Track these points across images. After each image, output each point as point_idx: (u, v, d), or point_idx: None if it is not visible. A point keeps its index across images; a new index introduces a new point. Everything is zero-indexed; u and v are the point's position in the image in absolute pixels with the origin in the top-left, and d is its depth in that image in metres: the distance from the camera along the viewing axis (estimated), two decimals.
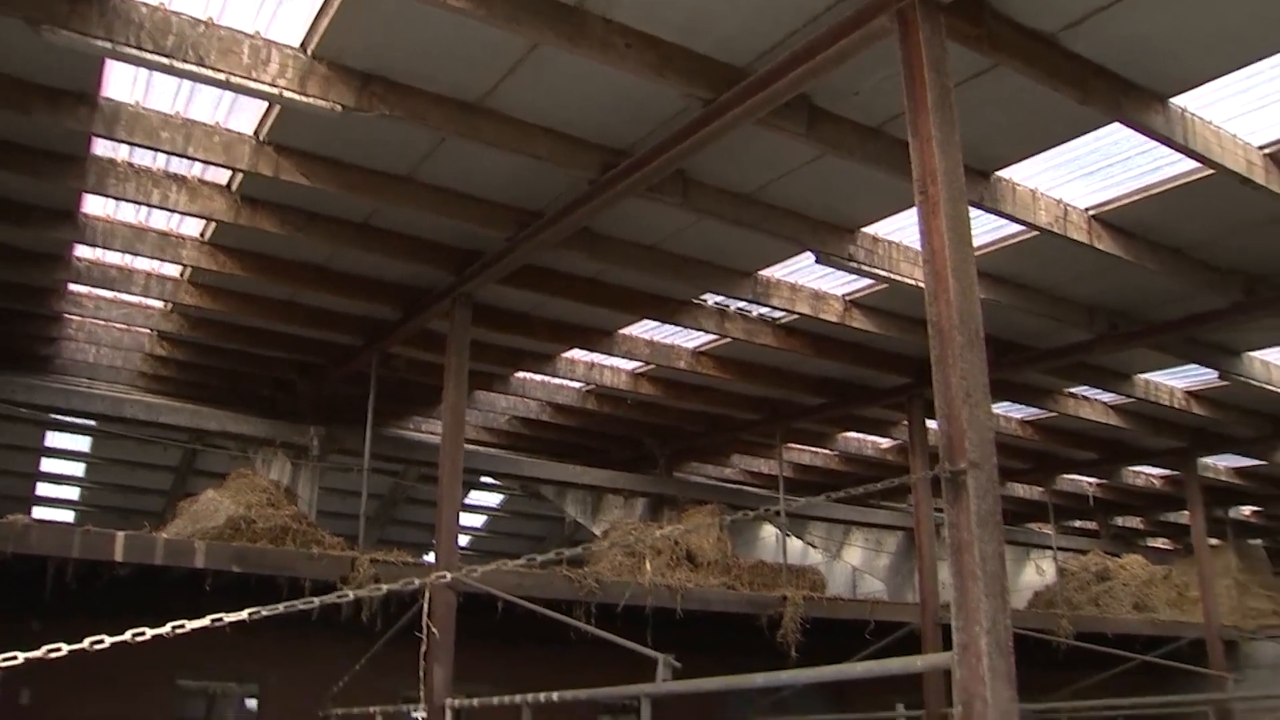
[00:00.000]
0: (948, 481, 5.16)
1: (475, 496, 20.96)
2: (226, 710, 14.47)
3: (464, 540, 20.89)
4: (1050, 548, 22.38)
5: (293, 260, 12.08)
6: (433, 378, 13.16)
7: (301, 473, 15.71)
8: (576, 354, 15.23)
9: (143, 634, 4.51)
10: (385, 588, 5.37)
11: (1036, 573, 23.49)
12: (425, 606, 6.45)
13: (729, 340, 13.94)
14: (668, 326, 13.96)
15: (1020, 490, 22.72)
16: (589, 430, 18.80)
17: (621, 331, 14.20)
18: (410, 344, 14.03)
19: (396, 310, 13.16)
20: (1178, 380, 16.10)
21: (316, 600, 4.80)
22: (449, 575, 5.06)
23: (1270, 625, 23.12)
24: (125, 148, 9.60)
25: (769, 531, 18.83)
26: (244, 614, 4.51)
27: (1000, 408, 17.04)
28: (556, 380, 16.33)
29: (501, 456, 18.86)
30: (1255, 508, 25.45)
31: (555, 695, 9.12)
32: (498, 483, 19.51)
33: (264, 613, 4.50)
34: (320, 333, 14.14)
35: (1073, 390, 16.46)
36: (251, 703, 14.32)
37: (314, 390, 16.05)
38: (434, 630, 7.61)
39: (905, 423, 16.45)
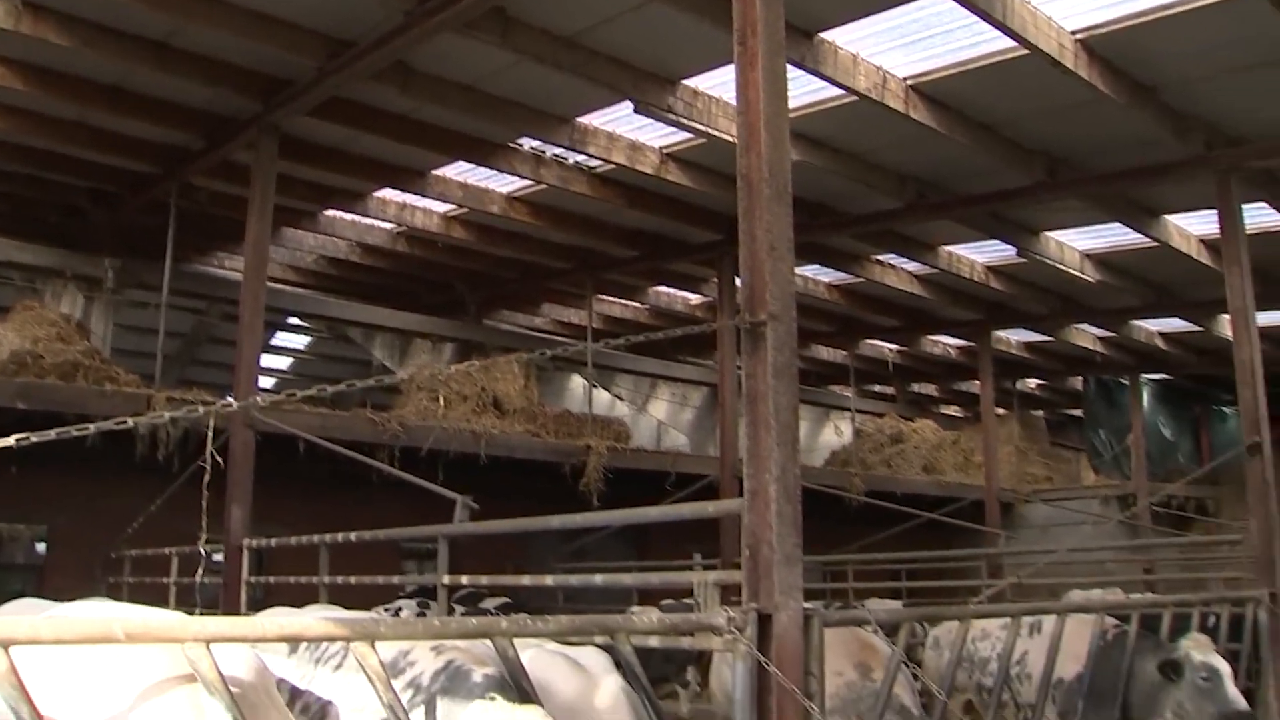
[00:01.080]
0: (747, 332, 5.21)
1: (281, 338, 20.41)
2: (15, 552, 13.99)
3: (268, 383, 20.39)
4: (849, 410, 23.19)
5: (82, 77, 11.25)
6: (237, 212, 12.60)
7: (95, 307, 14.94)
8: (388, 193, 14.80)
9: None
10: (168, 415, 5.16)
11: (835, 433, 24.34)
12: (208, 441, 6.26)
13: (543, 187, 13.74)
14: (482, 170, 13.66)
15: (824, 353, 23.35)
16: (399, 273, 18.43)
17: (435, 172, 13.83)
18: (213, 175, 13.39)
19: (198, 138, 12.51)
20: (978, 254, 16.63)
21: (92, 427, 4.56)
22: (234, 403, 4.89)
23: (1044, 489, 24.68)
24: None
25: (577, 383, 18.94)
26: (12, 440, 4.27)
27: (809, 270, 17.37)
28: (366, 220, 15.87)
29: (308, 296, 18.37)
30: (1040, 381, 26.81)
31: (353, 536, 9.11)
32: (304, 324, 19.04)
33: (33, 439, 4.27)
34: (114, 158, 13.35)
35: (879, 257, 16.86)
36: (42, 546, 13.88)
37: (108, 220, 15.24)
38: (220, 464, 7.41)
39: (715, 279, 16.65)
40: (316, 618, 4.63)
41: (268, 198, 11.38)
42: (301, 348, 20.86)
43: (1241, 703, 7.73)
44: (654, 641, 6.31)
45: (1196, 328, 19.65)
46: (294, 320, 18.68)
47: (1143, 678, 7.99)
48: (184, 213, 14.00)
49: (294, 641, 5.07)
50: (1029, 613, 8.56)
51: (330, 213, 15.72)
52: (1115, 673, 7.96)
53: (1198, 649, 7.85)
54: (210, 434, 6.04)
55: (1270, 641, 9.68)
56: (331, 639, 4.44)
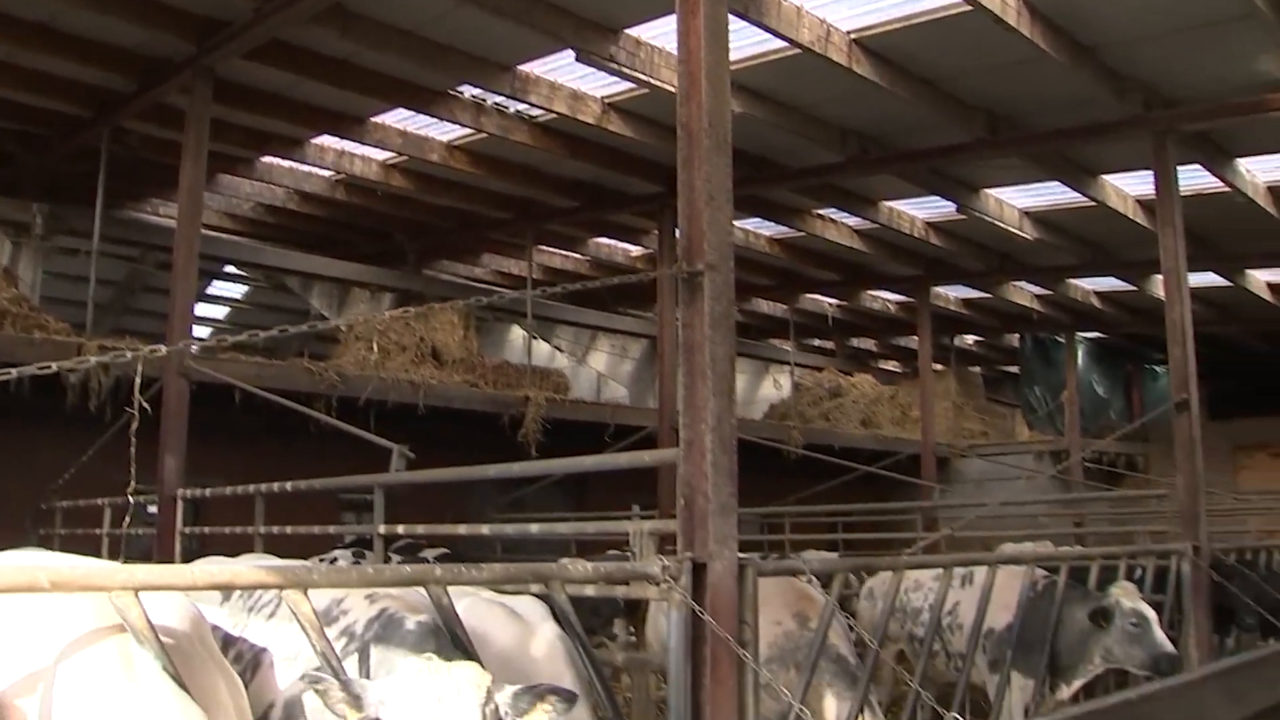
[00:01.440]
0: (684, 282, 5.21)
1: (218, 287, 20.13)
2: None
3: (204, 331, 20.12)
4: (788, 363, 23.32)
5: (9, 15, 10.87)
6: (170, 157, 12.35)
7: (23, 254, 14.58)
8: (326, 140, 14.54)
9: None
10: (94, 360, 5.07)
11: (774, 387, 24.49)
12: (135, 388, 6.16)
13: (484, 136, 13.56)
14: (422, 117, 13.46)
15: (764, 307, 23.43)
16: (337, 221, 18.19)
17: (374, 119, 13.60)
18: (146, 119, 13.06)
19: (130, 81, 12.19)
20: (919, 210, 16.71)
21: (14, 372, 4.47)
22: (164, 349, 4.81)
23: (979, 444, 25.07)
24: None
25: (517, 334, 18.88)
26: None
27: (749, 223, 17.36)
28: (304, 167, 15.62)
29: (245, 244, 18.09)
30: (977, 337, 27.12)
31: (289, 485, 9.04)
32: (241, 273, 18.79)
33: None
34: (43, 100, 12.98)
35: (820, 211, 16.88)
36: None
37: (37, 164, 14.87)
38: (145, 410, 7.26)
39: (656, 231, 16.61)
40: (249, 565, 4.60)
41: (202, 143, 11.14)
42: (239, 297, 20.62)
43: (1169, 646, 7.99)
44: (590, 590, 6.33)
45: (1131, 287, 19.97)
46: (230, 269, 18.43)
47: (1071, 626, 8.20)
48: (116, 157, 13.68)
49: (225, 589, 5.02)
50: (960, 564, 8.71)
51: (267, 159, 15.46)
52: (1044, 622, 8.12)
53: (1126, 596, 8.09)
54: (138, 380, 5.92)
55: (1192, 593, 9.93)
56: (263, 586, 4.40)
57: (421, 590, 4.42)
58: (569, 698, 3.93)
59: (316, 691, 3.73)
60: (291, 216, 17.81)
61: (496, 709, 3.80)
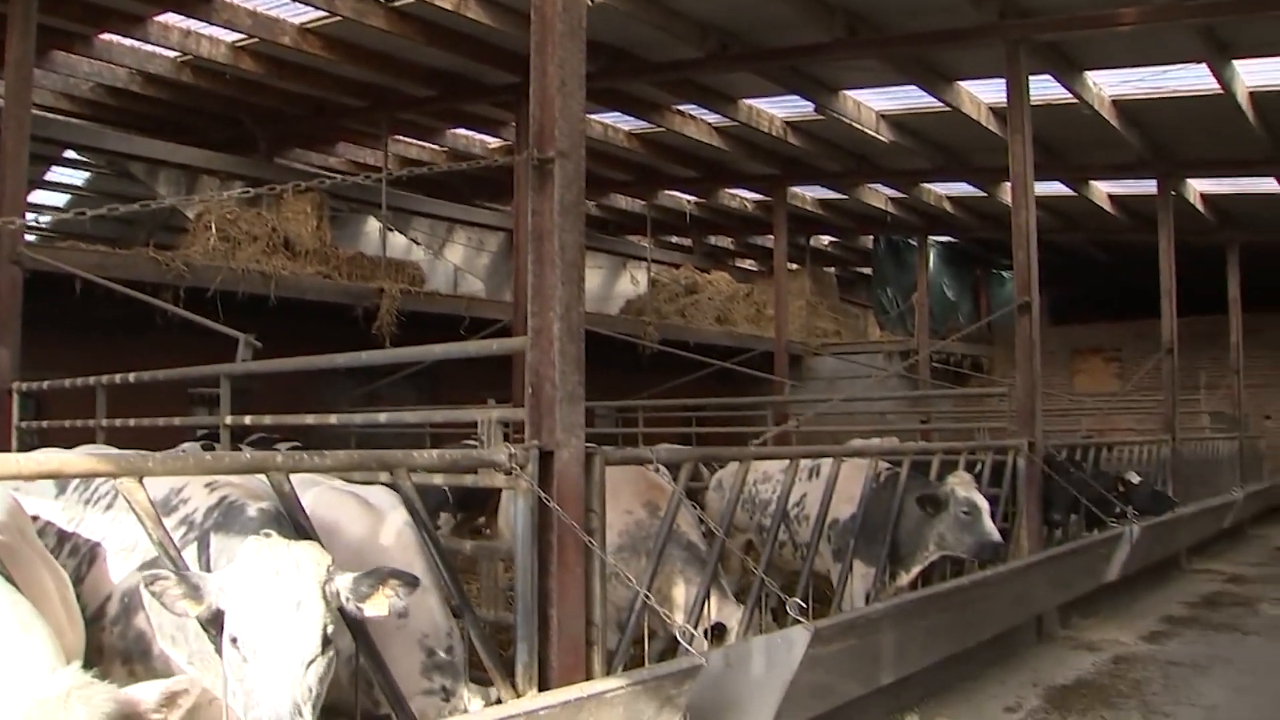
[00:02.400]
0: (535, 169, 5.15)
1: (57, 173, 19.26)
2: None
3: (44, 219, 19.27)
4: (645, 260, 23.37)
5: None
6: None
7: None
8: (170, 19, 13.77)
9: None
10: None
11: (631, 283, 24.58)
12: None
13: (338, 19, 13.00)
14: None
15: (622, 202, 23.35)
16: (184, 106, 17.37)
17: None
18: None
19: None
20: (777, 109, 16.72)
21: None
22: None
23: (832, 343, 25.64)
24: None
25: (372, 226, 18.48)
26: None
27: (608, 117, 17.15)
28: (147, 47, 14.82)
29: (85, 127, 17.23)
30: (832, 238, 27.52)
31: (131, 377, 8.77)
32: (82, 158, 17.98)
33: None
34: None
35: (679, 107, 16.75)
36: None
37: None
38: None
39: (514, 123, 16.34)
40: (82, 454, 4.46)
41: (30, 16, 10.46)
42: (80, 184, 19.77)
43: (996, 535, 8.38)
44: (438, 480, 6.32)
45: (982, 193, 20.41)
46: (71, 154, 17.61)
47: (911, 516, 8.54)
48: None
49: (54, 478, 4.86)
50: (806, 455, 8.93)
51: (106, 37, 14.62)
52: (885, 513, 8.42)
53: (962, 486, 8.45)
54: None
55: (1025, 486, 10.38)
56: (95, 475, 4.28)
57: (264, 479, 4.36)
58: (410, 581, 3.94)
59: (152, 594, 3.67)
60: (134, 99, 16.95)
61: (338, 592, 3.79)
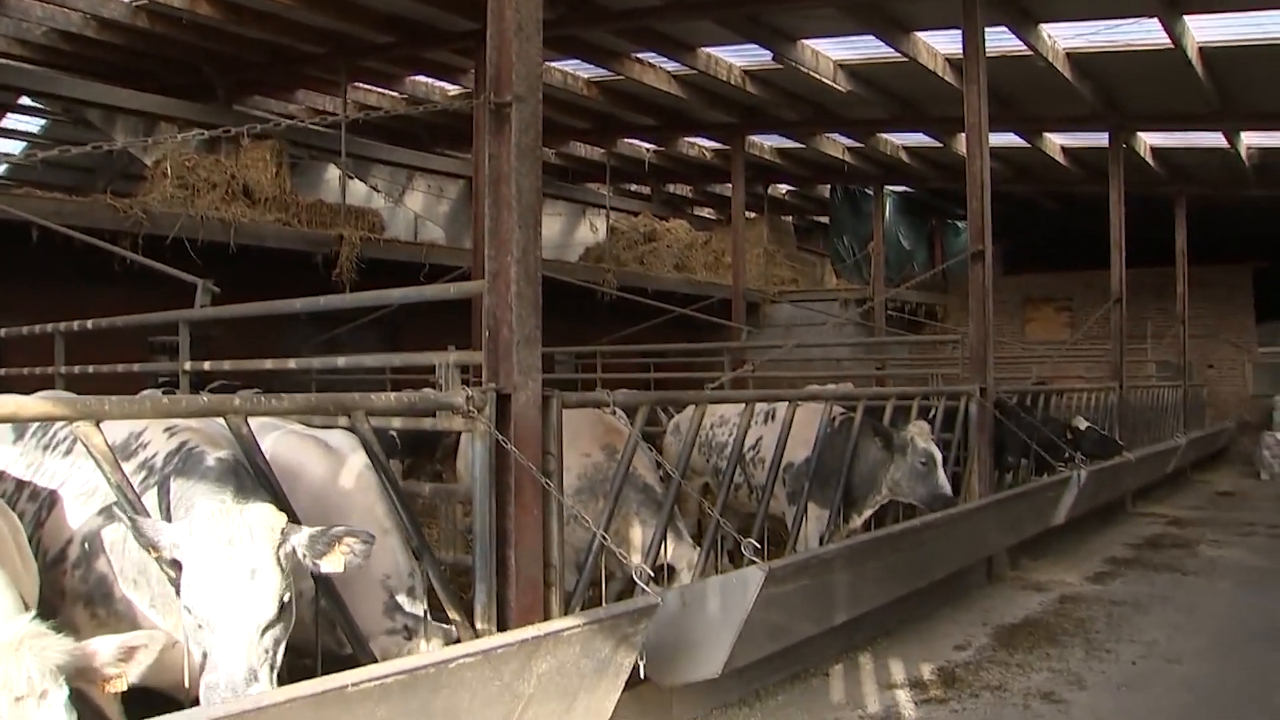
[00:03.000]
0: (492, 113, 5.17)
1: (13, 120, 18.95)
2: None
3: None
4: (604, 207, 23.33)
5: None
6: None
7: None
8: None
9: None
10: None
11: (590, 230, 24.55)
12: None
13: None
14: None
15: (581, 150, 23.25)
16: (141, 52, 17.05)
17: None
18: None
19: None
20: (736, 58, 16.67)
21: None
22: None
23: (789, 291, 25.78)
24: None
25: (332, 174, 18.30)
26: None
27: (568, 65, 17.04)
28: None
29: (38, 73, 16.92)
30: (790, 187, 27.60)
31: (89, 323, 8.75)
32: (37, 104, 17.66)
33: None
34: None
35: (639, 55, 16.68)
36: None
37: None
38: None
39: (474, 70, 16.21)
40: (37, 398, 4.45)
41: None
42: (36, 131, 19.48)
43: (948, 489, 8.58)
44: (397, 423, 6.37)
45: (937, 143, 20.51)
46: (26, 101, 17.29)
47: (865, 459, 8.70)
48: None
49: (9, 422, 4.86)
50: (762, 399, 9.06)
51: None
52: (840, 456, 8.56)
53: (921, 436, 8.59)
54: None
55: (977, 430, 10.56)
56: (51, 418, 4.30)
57: (224, 423, 4.37)
58: (367, 539, 3.97)
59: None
60: (90, 45, 16.62)
61: (293, 551, 3.83)
